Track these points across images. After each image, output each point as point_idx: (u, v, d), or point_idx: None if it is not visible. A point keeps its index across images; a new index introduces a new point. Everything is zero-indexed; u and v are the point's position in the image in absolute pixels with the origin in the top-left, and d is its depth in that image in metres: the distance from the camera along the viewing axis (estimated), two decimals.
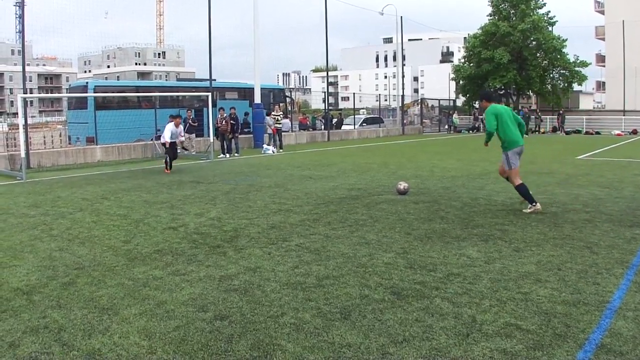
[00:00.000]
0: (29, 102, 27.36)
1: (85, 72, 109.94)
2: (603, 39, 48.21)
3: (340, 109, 46.88)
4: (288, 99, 31.09)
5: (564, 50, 38.30)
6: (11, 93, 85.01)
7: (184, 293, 4.38)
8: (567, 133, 34.57)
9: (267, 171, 13.46)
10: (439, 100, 44.86)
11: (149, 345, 3.41)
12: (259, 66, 23.21)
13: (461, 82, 42.35)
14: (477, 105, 43.23)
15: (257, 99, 22.85)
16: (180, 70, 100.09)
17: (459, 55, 72.91)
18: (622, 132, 34.14)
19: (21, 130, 13.71)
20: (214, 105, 20.09)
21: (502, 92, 42.58)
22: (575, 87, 41.16)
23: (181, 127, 14.54)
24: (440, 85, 79.42)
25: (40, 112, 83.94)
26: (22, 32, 18.10)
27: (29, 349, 3.38)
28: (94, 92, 21.91)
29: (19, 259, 5.50)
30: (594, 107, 59.32)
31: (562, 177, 11.54)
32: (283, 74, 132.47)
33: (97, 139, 19.50)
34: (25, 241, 6.26)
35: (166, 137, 13.76)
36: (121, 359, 3.25)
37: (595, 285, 4.45)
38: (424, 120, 39.84)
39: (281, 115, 21.88)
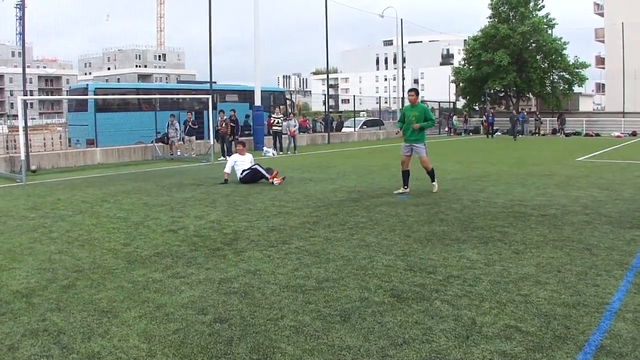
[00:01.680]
0: (29, 104, 27.38)
1: (85, 74, 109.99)
2: (602, 41, 48.31)
3: (341, 112, 46.94)
4: (288, 102, 31.09)
5: (564, 52, 38.38)
6: (11, 95, 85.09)
7: (183, 296, 4.38)
8: (567, 135, 34.60)
9: None
10: (439, 102, 44.91)
11: (148, 348, 3.41)
12: (260, 68, 23.25)
13: (461, 84, 42.44)
14: (476, 108, 43.29)
15: (258, 102, 22.86)
16: (181, 72, 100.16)
17: (459, 58, 72.88)
18: (621, 133, 34.20)
19: (21, 132, 13.71)
20: (214, 107, 20.11)
21: (502, 95, 42.66)
22: (575, 88, 41.23)
23: (250, 156, 11.83)
24: (440, 87, 79.42)
25: (40, 114, 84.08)
26: (22, 33, 18.14)
27: (28, 352, 3.38)
28: (94, 95, 21.92)
29: (18, 261, 5.50)
30: (593, 109, 59.42)
31: (561, 179, 11.54)
32: (283, 76, 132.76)
33: (97, 141, 19.52)
34: (24, 244, 6.25)
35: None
36: None
37: (595, 287, 4.44)
38: None
39: (282, 118, 21.89)
